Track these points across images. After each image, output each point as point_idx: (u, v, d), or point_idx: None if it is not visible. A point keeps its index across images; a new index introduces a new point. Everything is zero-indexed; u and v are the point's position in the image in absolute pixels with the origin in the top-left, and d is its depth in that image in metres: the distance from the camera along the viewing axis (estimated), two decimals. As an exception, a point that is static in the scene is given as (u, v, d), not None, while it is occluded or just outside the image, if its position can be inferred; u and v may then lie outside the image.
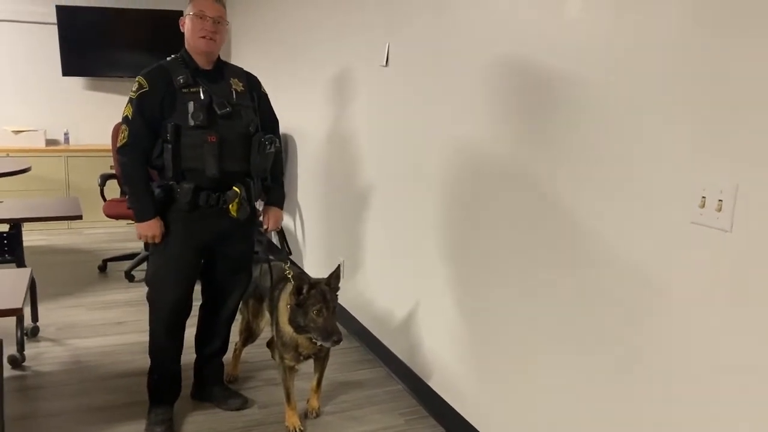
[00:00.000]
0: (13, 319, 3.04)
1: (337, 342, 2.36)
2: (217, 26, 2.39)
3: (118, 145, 2.39)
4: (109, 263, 4.65)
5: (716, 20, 1.50)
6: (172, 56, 2.46)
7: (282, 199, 2.72)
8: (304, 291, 2.39)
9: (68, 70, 5.76)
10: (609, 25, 1.80)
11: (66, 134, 5.91)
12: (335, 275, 2.49)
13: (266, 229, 2.67)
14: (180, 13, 5.79)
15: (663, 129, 1.64)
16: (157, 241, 2.41)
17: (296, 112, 4.20)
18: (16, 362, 3.04)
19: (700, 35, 1.54)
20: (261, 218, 2.70)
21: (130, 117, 2.34)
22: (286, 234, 4.75)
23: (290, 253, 2.73)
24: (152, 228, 2.38)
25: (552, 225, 2.04)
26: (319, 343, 2.43)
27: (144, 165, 2.39)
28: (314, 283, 2.43)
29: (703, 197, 1.53)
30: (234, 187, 2.43)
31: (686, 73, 1.57)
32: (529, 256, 2.15)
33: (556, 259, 2.02)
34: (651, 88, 1.67)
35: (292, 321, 2.42)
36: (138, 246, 4.84)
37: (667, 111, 1.63)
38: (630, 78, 1.73)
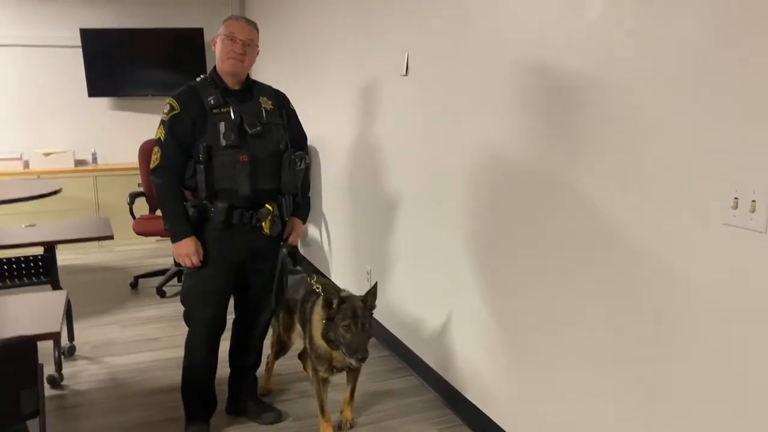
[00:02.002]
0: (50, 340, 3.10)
1: (361, 360, 2.34)
2: (246, 48, 2.42)
3: (151, 167, 2.43)
4: (140, 280, 4.72)
5: (745, 16, 1.48)
6: (202, 77, 2.49)
7: (307, 213, 2.74)
8: (334, 305, 2.39)
9: (94, 91, 5.88)
10: (634, 25, 1.78)
11: (94, 154, 6.02)
12: (372, 293, 2.47)
13: (285, 239, 2.65)
14: (200, 31, 5.94)
15: (692, 130, 1.62)
16: (194, 261, 2.42)
17: (319, 123, 4.23)
18: (55, 382, 3.10)
19: (729, 32, 1.52)
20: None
21: (162, 139, 2.38)
22: (312, 244, 4.78)
23: (295, 265, 2.74)
24: (188, 247, 2.41)
25: (583, 229, 2.02)
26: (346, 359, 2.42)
27: (178, 186, 2.43)
28: (345, 298, 2.43)
29: (736, 198, 1.51)
30: (266, 205, 2.45)
31: (715, 73, 1.55)
32: (562, 262, 2.13)
33: (589, 264, 2.00)
34: (679, 89, 1.65)
35: (324, 335, 2.43)
36: (168, 262, 4.92)
37: (696, 111, 1.60)
38: (657, 78, 1.71)
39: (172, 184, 2.41)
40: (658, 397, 1.77)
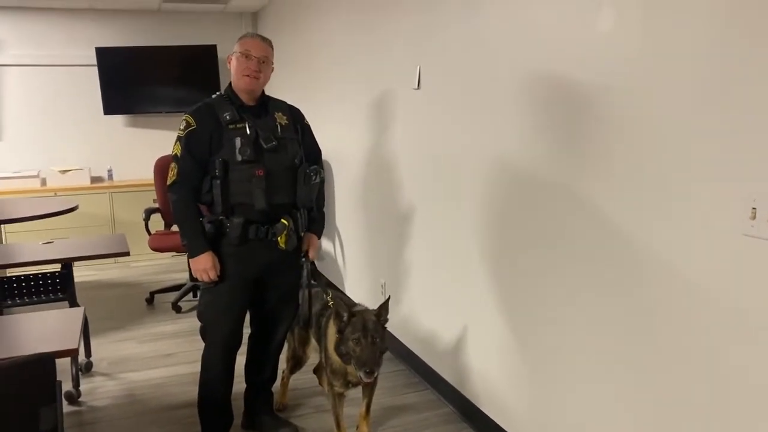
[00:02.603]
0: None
1: (369, 374, 2.31)
2: (261, 66, 2.44)
3: (168, 183, 2.44)
4: (156, 295, 4.75)
5: (752, 25, 1.47)
6: (218, 93, 2.52)
7: (322, 228, 2.74)
8: (344, 318, 2.39)
9: (109, 108, 5.96)
10: (643, 35, 1.78)
11: (110, 171, 6.09)
12: (384, 307, 2.46)
13: (306, 256, 2.67)
14: (213, 48, 6.01)
15: (707, 139, 1.61)
16: (211, 275, 2.43)
17: (332, 137, 4.25)
18: (73, 398, 3.12)
19: (738, 42, 1.51)
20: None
21: (179, 155, 2.40)
22: (326, 258, 4.78)
23: (312, 281, 2.74)
24: (205, 262, 2.41)
25: (599, 242, 2.01)
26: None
27: (194, 201, 2.44)
28: (356, 312, 2.42)
29: (754, 208, 1.50)
30: (282, 220, 2.46)
31: (729, 81, 1.54)
32: (578, 275, 2.12)
33: (605, 277, 1.99)
34: (693, 97, 1.64)
35: (336, 349, 2.42)
36: (183, 277, 4.95)
37: (711, 120, 1.59)
38: (670, 87, 1.70)
39: (188, 199, 2.43)
40: (682, 411, 1.75)
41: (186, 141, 2.39)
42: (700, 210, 1.64)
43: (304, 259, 2.66)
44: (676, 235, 1.71)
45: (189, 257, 2.45)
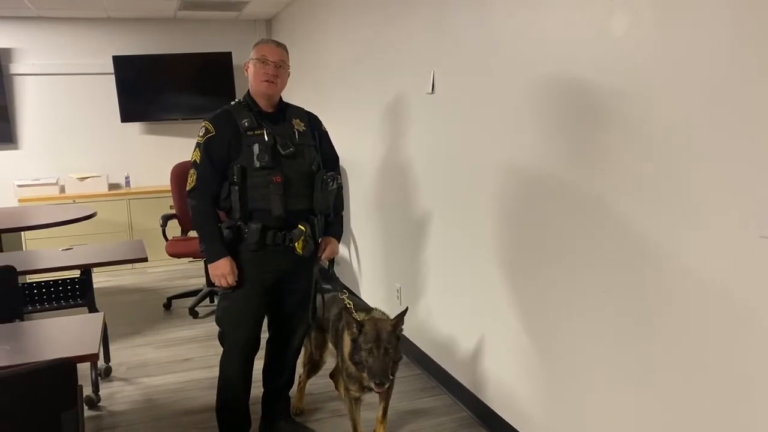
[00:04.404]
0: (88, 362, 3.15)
1: (379, 385, 2.32)
2: (278, 70, 2.46)
3: (187, 189, 2.46)
4: (173, 301, 4.78)
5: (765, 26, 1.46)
6: (236, 100, 2.55)
7: (340, 233, 2.75)
8: (354, 328, 2.39)
9: (126, 116, 6.02)
10: (658, 39, 1.77)
11: (127, 178, 6.15)
12: (400, 318, 2.44)
13: (319, 257, 2.67)
14: (228, 55, 6.06)
15: (724, 141, 1.60)
16: (230, 281, 2.44)
17: (347, 143, 4.26)
18: (92, 403, 3.15)
19: (753, 42, 1.50)
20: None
21: (198, 161, 2.43)
22: (341, 263, 4.79)
23: (327, 282, 2.74)
24: (224, 267, 2.43)
25: (616, 245, 2.00)
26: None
27: (213, 207, 2.46)
28: (367, 321, 2.42)
29: (772, 210, 1.48)
30: (299, 225, 2.48)
31: (746, 83, 1.53)
32: (596, 279, 2.11)
33: (623, 280, 1.98)
34: (709, 100, 1.63)
35: (351, 357, 2.43)
36: (200, 282, 4.98)
37: (729, 122, 1.58)
38: (685, 90, 1.69)
39: (207, 205, 2.45)
40: (703, 417, 1.73)
41: (205, 147, 2.42)
42: (717, 213, 1.63)
43: (316, 261, 2.65)
44: (695, 239, 1.70)
45: (207, 262, 2.47)
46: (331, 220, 2.67)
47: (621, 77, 1.91)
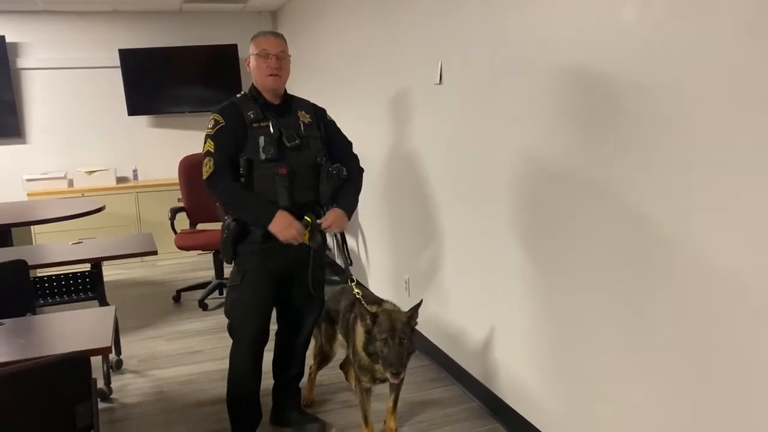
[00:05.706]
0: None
1: (395, 374, 2.32)
2: (280, 62, 2.47)
3: (204, 177, 2.44)
4: (182, 293, 4.80)
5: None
6: (242, 93, 2.55)
7: (350, 204, 2.60)
8: (368, 319, 2.40)
9: (133, 109, 6.03)
10: (670, 25, 1.75)
11: (135, 171, 6.17)
12: (415, 310, 2.44)
13: (320, 224, 2.51)
14: (234, 47, 6.05)
15: (746, 131, 1.58)
16: (296, 227, 2.37)
17: (355, 134, 4.23)
18: (104, 396, 3.18)
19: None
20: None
21: (212, 150, 2.42)
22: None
23: (351, 263, 2.72)
24: (284, 219, 2.37)
25: (630, 236, 1.98)
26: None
27: (238, 180, 2.43)
28: (380, 312, 2.43)
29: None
30: (305, 217, 2.48)
31: (758, 70, 1.52)
32: (608, 270, 2.09)
33: (637, 273, 1.97)
34: (727, 94, 1.61)
35: (365, 348, 2.43)
36: (209, 275, 5.00)
37: (749, 111, 1.57)
38: (702, 84, 1.68)
39: (231, 182, 2.43)
40: (719, 410, 1.73)
41: (216, 137, 2.42)
42: (736, 202, 1.61)
43: (319, 225, 2.50)
44: (716, 233, 1.68)
45: (265, 227, 2.39)
46: (343, 191, 2.57)
47: (634, 63, 1.89)
